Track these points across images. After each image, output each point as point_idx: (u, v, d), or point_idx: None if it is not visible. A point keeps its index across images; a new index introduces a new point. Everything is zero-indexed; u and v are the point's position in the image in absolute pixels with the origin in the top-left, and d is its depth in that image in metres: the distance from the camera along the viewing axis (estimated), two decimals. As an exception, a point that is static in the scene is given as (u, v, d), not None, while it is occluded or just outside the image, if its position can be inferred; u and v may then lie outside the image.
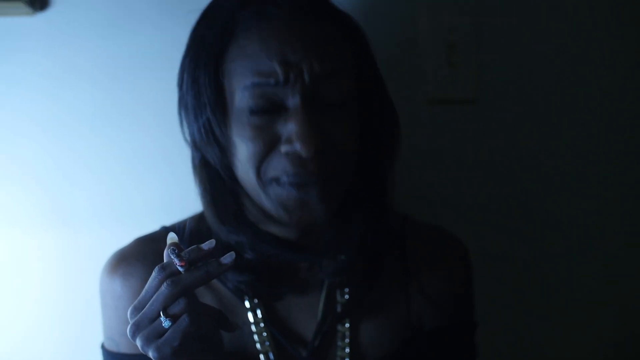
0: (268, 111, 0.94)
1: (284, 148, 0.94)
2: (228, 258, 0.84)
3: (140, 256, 1.05)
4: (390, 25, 1.30)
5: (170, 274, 0.83)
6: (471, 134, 1.33)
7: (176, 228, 1.08)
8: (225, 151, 0.98)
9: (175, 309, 0.82)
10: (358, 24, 1.03)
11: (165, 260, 0.84)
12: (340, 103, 0.96)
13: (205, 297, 1.04)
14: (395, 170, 1.06)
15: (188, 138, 1.03)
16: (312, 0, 0.98)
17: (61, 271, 1.27)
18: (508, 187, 1.34)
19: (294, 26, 0.95)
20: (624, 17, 1.34)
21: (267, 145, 0.95)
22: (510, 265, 1.35)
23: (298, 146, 0.93)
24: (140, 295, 0.84)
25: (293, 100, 0.94)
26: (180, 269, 0.83)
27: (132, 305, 0.84)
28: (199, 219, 1.08)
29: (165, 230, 1.09)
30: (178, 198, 1.21)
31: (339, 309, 1.06)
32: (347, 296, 1.06)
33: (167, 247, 0.84)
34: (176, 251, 0.83)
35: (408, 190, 1.28)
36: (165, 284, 0.82)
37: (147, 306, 0.82)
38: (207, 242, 0.84)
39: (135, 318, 0.83)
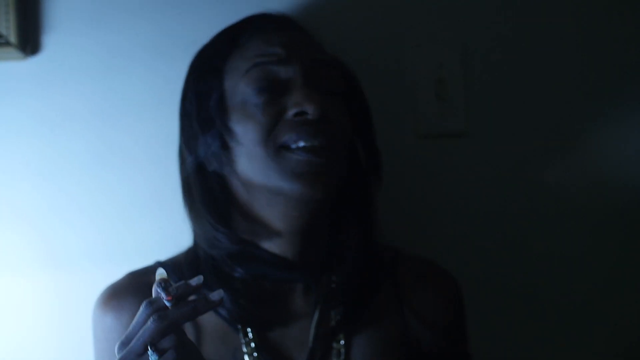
0: (271, 89, 1.02)
1: (291, 111, 1.01)
2: (216, 295, 0.84)
3: (132, 290, 1.06)
4: (379, 61, 1.32)
5: (157, 308, 0.83)
6: (461, 167, 1.33)
7: (169, 263, 1.09)
8: (226, 154, 1.02)
9: (164, 344, 0.82)
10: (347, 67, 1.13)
11: (153, 296, 0.84)
12: (335, 92, 1.05)
13: (198, 325, 1.05)
14: (377, 196, 1.11)
15: (186, 168, 1.08)
16: (305, 31, 1.11)
17: (54, 313, 1.26)
18: (499, 220, 1.34)
19: (292, 37, 1.07)
20: (611, 51, 1.35)
21: (274, 116, 1.01)
22: (503, 299, 1.34)
23: (305, 105, 1.00)
24: (128, 330, 0.84)
25: (295, 74, 1.02)
26: (167, 303, 0.83)
27: (120, 340, 0.84)
28: (190, 252, 1.10)
29: (158, 265, 1.09)
30: (170, 239, 1.20)
31: (334, 324, 1.06)
32: (338, 316, 1.07)
33: (155, 282, 0.84)
34: (163, 285, 0.83)
35: (399, 224, 1.28)
36: (152, 318, 0.82)
37: (133, 340, 0.82)
38: (195, 278, 0.85)
39: (123, 353, 0.83)
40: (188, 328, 1.04)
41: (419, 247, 1.24)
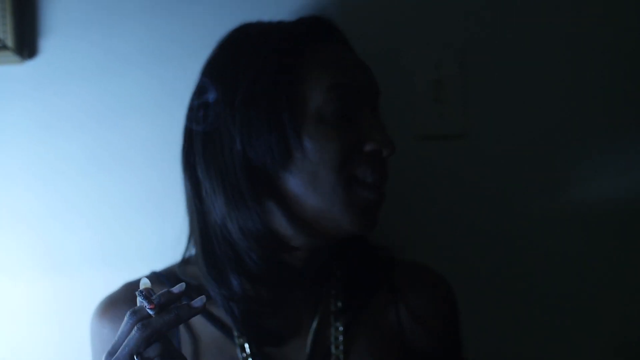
0: (350, 115, 1.01)
1: (368, 146, 1.00)
2: (199, 302, 0.84)
3: (128, 301, 1.06)
4: (376, 62, 1.31)
5: (140, 317, 0.83)
6: (459, 169, 1.33)
7: (164, 273, 1.10)
8: (285, 162, 0.99)
9: (150, 353, 0.83)
10: None
11: (137, 305, 0.85)
12: None
13: (195, 336, 1.05)
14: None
15: (193, 190, 1.04)
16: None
17: (52, 316, 1.27)
18: (497, 222, 1.34)
19: (353, 52, 1.09)
20: (611, 51, 1.35)
21: (350, 144, 1.00)
22: (501, 302, 1.34)
23: (383, 146, 1.00)
24: (114, 340, 0.84)
25: (369, 104, 1.04)
26: (150, 312, 0.83)
27: (107, 350, 0.84)
28: (185, 263, 1.10)
29: (154, 275, 1.10)
30: (168, 242, 1.20)
31: (332, 336, 1.07)
32: (341, 328, 1.07)
33: (137, 291, 0.85)
34: (144, 293, 0.83)
35: (397, 225, 1.28)
36: (136, 327, 0.82)
37: (120, 350, 0.83)
38: (177, 286, 0.85)
39: None
40: (185, 340, 1.05)
41: (417, 247, 1.24)
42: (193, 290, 1.04)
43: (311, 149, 0.98)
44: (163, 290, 0.84)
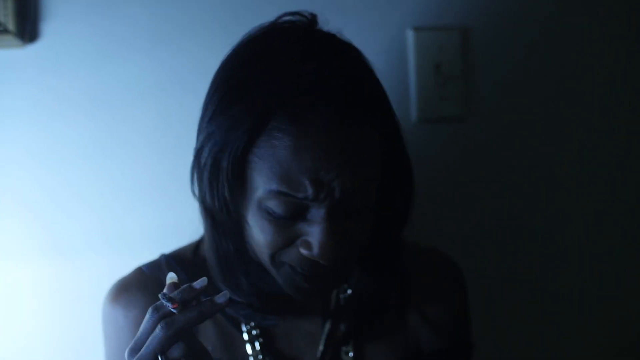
0: (290, 215, 0.91)
1: (303, 251, 0.91)
2: (222, 298, 0.83)
3: (141, 286, 1.05)
4: (378, 46, 1.32)
5: (163, 315, 0.82)
6: (460, 151, 1.34)
7: (174, 255, 1.08)
8: (237, 224, 0.96)
9: (175, 353, 0.82)
10: (388, 106, 0.97)
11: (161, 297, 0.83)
12: (365, 207, 0.93)
13: (204, 328, 1.03)
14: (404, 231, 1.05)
15: (197, 195, 0.99)
16: (352, 105, 0.89)
17: (56, 299, 1.26)
18: (499, 203, 1.35)
19: (330, 139, 0.88)
20: (613, 36, 1.36)
21: (285, 242, 0.92)
22: (505, 281, 1.35)
23: (317, 254, 0.90)
24: (136, 336, 0.83)
25: (319, 212, 0.90)
26: (173, 310, 0.82)
27: (129, 346, 0.83)
28: (197, 248, 1.09)
29: (163, 257, 1.08)
30: (172, 225, 1.21)
31: (342, 337, 1.05)
32: (351, 353, 1.06)
33: (166, 286, 0.84)
34: (167, 295, 0.82)
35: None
36: (159, 326, 0.81)
37: (143, 348, 0.82)
38: (199, 281, 0.84)
39: None
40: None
41: (417, 230, 1.25)
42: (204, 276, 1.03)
43: (252, 227, 0.93)
44: (185, 286, 0.83)
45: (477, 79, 1.33)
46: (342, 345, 1.05)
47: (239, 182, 0.92)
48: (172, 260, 1.07)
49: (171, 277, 0.85)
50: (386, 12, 1.31)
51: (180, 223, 1.12)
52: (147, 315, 0.83)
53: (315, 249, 0.90)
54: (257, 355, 1.03)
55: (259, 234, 0.93)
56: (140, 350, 0.82)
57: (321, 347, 1.04)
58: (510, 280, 1.35)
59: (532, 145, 1.35)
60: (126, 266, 1.10)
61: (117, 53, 1.26)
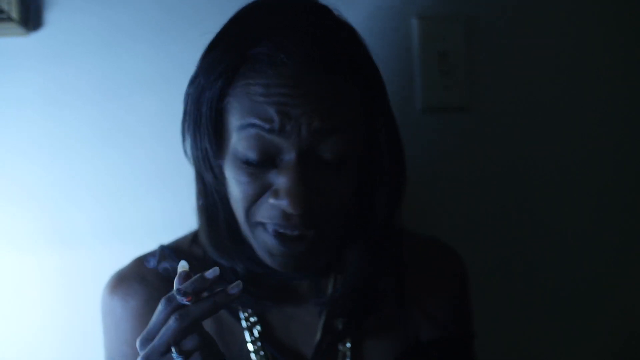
0: (262, 159, 0.92)
1: (271, 200, 0.92)
2: (235, 288, 0.83)
3: (139, 277, 1.05)
4: (382, 35, 1.31)
5: (177, 306, 0.82)
6: (464, 141, 1.34)
7: (173, 246, 1.08)
8: (219, 180, 0.98)
9: (189, 345, 0.82)
10: (375, 70, 0.99)
11: (174, 288, 0.83)
12: (338, 162, 0.93)
13: None
14: (400, 207, 1.04)
15: (189, 154, 1.01)
16: (327, 52, 0.92)
17: (60, 289, 1.27)
18: (503, 193, 1.35)
19: (302, 79, 0.90)
20: (619, 26, 1.35)
21: (257, 192, 0.93)
22: (508, 272, 1.35)
23: (285, 202, 0.91)
24: (149, 326, 0.83)
25: (288, 155, 0.91)
26: (187, 303, 0.82)
27: (141, 335, 0.83)
28: (194, 238, 1.08)
29: (162, 248, 1.08)
30: (176, 214, 1.21)
31: (340, 327, 1.05)
32: (348, 345, 1.05)
33: (177, 275, 0.84)
34: (182, 291, 0.81)
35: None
36: (173, 317, 0.81)
37: (156, 339, 0.82)
38: (211, 271, 0.83)
39: (146, 350, 0.82)
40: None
41: (422, 222, 1.25)
42: (202, 266, 1.03)
43: (229, 181, 0.95)
44: (196, 277, 0.83)
45: (482, 68, 1.33)
46: (339, 335, 1.04)
47: (217, 129, 0.94)
48: (170, 251, 1.07)
49: (183, 265, 0.84)
50: (390, 1, 1.31)
51: (186, 213, 1.11)
52: (160, 307, 0.82)
53: (284, 196, 0.91)
54: (255, 343, 1.03)
55: (234, 187, 0.94)
56: (152, 340, 0.82)
57: (318, 337, 1.04)
58: (512, 270, 1.35)
59: (535, 134, 1.35)
60: (130, 255, 1.10)
61: (120, 42, 1.26)
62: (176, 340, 0.81)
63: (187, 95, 0.99)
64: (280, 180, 0.91)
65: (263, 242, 0.95)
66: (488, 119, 1.34)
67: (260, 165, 0.92)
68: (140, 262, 1.08)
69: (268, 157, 0.92)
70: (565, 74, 1.34)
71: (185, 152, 1.02)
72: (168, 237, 1.12)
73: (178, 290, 0.82)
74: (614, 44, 1.35)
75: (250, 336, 1.03)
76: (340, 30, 0.97)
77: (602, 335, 1.38)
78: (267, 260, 0.97)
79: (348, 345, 1.05)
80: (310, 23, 0.94)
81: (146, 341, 0.83)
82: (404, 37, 1.31)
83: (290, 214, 0.92)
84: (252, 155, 0.92)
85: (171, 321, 0.81)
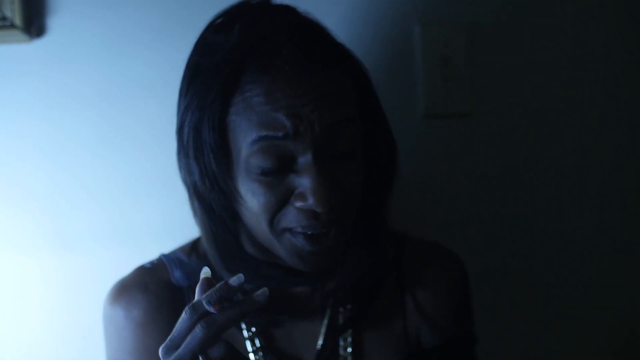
0: (278, 167, 0.90)
1: (297, 204, 0.91)
2: (261, 295, 0.83)
3: (141, 286, 1.05)
4: (384, 40, 1.31)
5: (202, 314, 0.81)
6: (467, 147, 1.34)
7: (173, 256, 1.06)
8: (229, 198, 0.96)
9: (215, 353, 0.81)
10: (357, 59, 0.99)
11: (196, 297, 0.83)
12: (350, 151, 0.93)
13: None
14: (392, 196, 1.05)
15: (187, 184, 1.00)
16: (317, 47, 0.93)
17: (61, 292, 1.27)
18: (505, 198, 1.35)
19: (301, 78, 0.90)
20: (621, 30, 1.35)
21: (280, 200, 0.92)
22: (509, 277, 1.35)
23: (312, 202, 0.90)
24: (172, 334, 0.82)
25: (304, 156, 0.90)
26: (214, 311, 0.81)
27: (165, 344, 0.82)
28: (193, 246, 1.09)
29: (162, 257, 1.06)
30: (178, 219, 1.21)
31: (341, 321, 1.05)
32: (349, 339, 1.05)
33: (200, 282, 0.83)
34: (209, 299, 0.80)
35: (404, 204, 1.28)
36: (199, 325, 0.80)
37: (182, 348, 0.81)
38: (235, 278, 0.83)
39: (171, 359, 0.82)
40: None
41: (424, 227, 1.25)
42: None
43: (244, 196, 0.93)
44: (221, 284, 0.82)
45: (484, 73, 1.33)
46: (341, 334, 1.04)
47: (223, 149, 0.93)
48: (171, 260, 1.06)
49: (205, 272, 0.84)
50: (393, 7, 1.31)
51: (187, 217, 1.12)
52: (184, 315, 0.81)
53: (310, 197, 0.90)
54: (257, 352, 1.03)
55: (252, 200, 0.92)
56: (176, 349, 0.81)
57: (320, 341, 1.04)
58: (515, 274, 1.35)
59: (538, 140, 1.35)
60: (132, 260, 1.10)
61: (123, 48, 1.26)
62: (203, 348, 0.80)
63: (182, 126, 0.96)
64: (303, 182, 0.91)
65: (292, 247, 0.94)
66: (490, 125, 1.34)
67: (277, 173, 0.91)
68: (142, 271, 1.08)
69: (284, 163, 0.91)
70: (568, 79, 1.34)
71: (183, 181, 1.01)
72: (169, 240, 1.14)
73: (206, 298, 0.81)
74: (617, 48, 1.35)
75: (252, 346, 1.03)
76: (317, 26, 0.98)
77: (602, 335, 1.37)
78: (296, 263, 0.96)
79: (349, 350, 1.05)
80: (290, 23, 0.94)
81: (170, 350, 0.82)
82: (406, 42, 1.31)
83: (317, 214, 0.91)
84: (267, 165, 0.90)
85: (197, 329, 0.80)
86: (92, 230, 1.27)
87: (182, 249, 1.10)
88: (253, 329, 1.03)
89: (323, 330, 1.05)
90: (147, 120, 1.27)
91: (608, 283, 1.38)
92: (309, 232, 0.93)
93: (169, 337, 0.82)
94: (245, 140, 0.90)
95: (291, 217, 0.92)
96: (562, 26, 1.34)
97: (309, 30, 0.95)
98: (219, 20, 0.98)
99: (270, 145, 0.89)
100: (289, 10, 0.99)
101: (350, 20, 1.29)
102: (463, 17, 1.32)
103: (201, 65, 0.95)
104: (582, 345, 1.38)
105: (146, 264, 1.09)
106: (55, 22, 1.25)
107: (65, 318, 1.27)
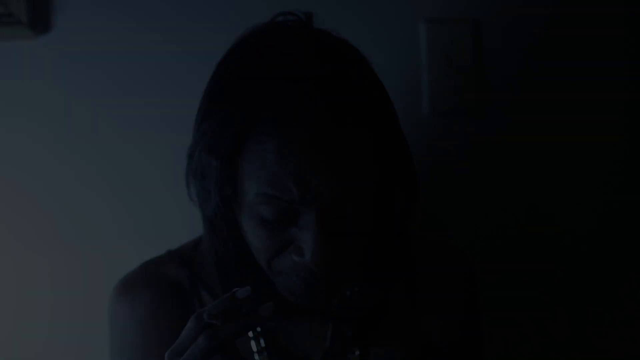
0: (280, 220, 0.88)
1: (295, 257, 0.89)
2: (267, 310, 0.82)
3: (146, 283, 1.05)
4: (389, 38, 1.31)
5: (206, 325, 0.81)
6: (472, 144, 1.34)
7: (179, 252, 1.08)
8: (233, 229, 0.95)
9: None
10: (379, 88, 0.92)
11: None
12: (360, 212, 0.89)
13: None
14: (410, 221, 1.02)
15: (195, 203, 0.99)
16: (339, 103, 0.85)
17: (68, 289, 1.27)
18: (511, 196, 1.34)
19: (317, 140, 0.84)
20: (622, 31, 1.35)
21: (278, 246, 0.90)
22: (515, 276, 1.35)
23: (309, 260, 0.87)
24: (178, 340, 0.82)
25: (309, 217, 0.87)
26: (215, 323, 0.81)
27: (171, 349, 0.82)
28: (197, 244, 1.08)
29: (170, 254, 1.08)
30: (183, 214, 1.21)
31: (349, 334, 1.04)
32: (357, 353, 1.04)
33: (226, 295, 0.83)
34: (211, 315, 0.80)
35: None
36: (202, 336, 0.80)
37: (185, 355, 0.81)
38: (242, 290, 0.83)
39: None
40: None
41: (430, 225, 1.25)
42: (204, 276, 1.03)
43: (247, 231, 0.92)
44: (226, 295, 0.82)
45: (489, 71, 1.33)
46: (349, 343, 1.03)
47: (230, 186, 0.90)
48: (176, 257, 1.07)
49: (246, 290, 0.83)
50: (398, 4, 1.31)
51: (193, 214, 1.11)
52: (190, 324, 0.81)
53: (308, 255, 0.87)
54: (262, 352, 1.02)
55: (252, 237, 0.91)
56: (182, 356, 0.81)
57: (327, 345, 1.03)
58: (519, 271, 1.35)
59: (544, 137, 1.34)
60: (139, 255, 1.10)
61: (129, 44, 1.26)
62: (204, 358, 0.80)
63: (195, 147, 0.94)
64: (303, 239, 0.88)
65: (287, 285, 0.93)
66: (496, 122, 1.34)
67: (279, 224, 0.89)
68: (147, 267, 1.07)
69: (288, 217, 0.88)
70: (574, 76, 1.34)
71: (190, 197, 1.00)
72: (175, 236, 1.13)
73: (208, 311, 0.81)
74: (623, 46, 1.35)
75: (257, 346, 1.03)
76: (349, 67, 0.89)
77: (602, 335, 1.37)
78: (293, 300, 0.94)
79: (357, 352, 1.04)
80: (321, 64, 0.87)
81: (175, 356, 0.82)
82: (411, 40, 1.32)
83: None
84: (270, 217, 0.88)
85: (200, 340, 0.80)
86: (97, 226, 1.27)
87: (186, 246, 1.10)
88: (258, 329, 1.03)
89: (329, 337, 1.04)
90: (154, 117, 1.27)
91: (609, 283, 1.37)
92: (305, 281, 0.91)
93: (176, 342, 0.82)
94: (252, 189, 0.88)
95: (289, 265, 0.91)
96: (568, 23, 1.34)
97: (337, 84, 0.86)
98: (248, 41, 0.93)
99: (276, 202, 0.87)
100: (325, 42, 0.91)
101: (356, 18, 1.29)
102: (468, 15, 1.32)
103: (220, 96, 0.91)
104: (583, 344, 1.37)
105: (151, 260, 1.08)
106: (61, 19, 1.25)
107: (71, 314, 1.27)
